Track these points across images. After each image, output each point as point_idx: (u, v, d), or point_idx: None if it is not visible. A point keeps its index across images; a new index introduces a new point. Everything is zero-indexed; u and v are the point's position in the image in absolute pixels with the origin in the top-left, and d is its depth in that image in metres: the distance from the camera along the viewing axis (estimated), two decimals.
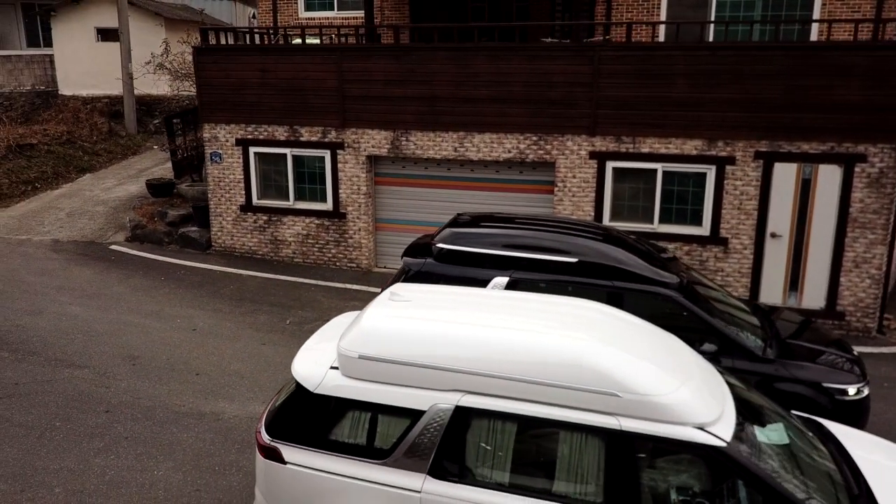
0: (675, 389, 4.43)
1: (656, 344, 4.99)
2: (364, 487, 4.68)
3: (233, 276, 12.09)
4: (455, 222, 7.93)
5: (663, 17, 14.84)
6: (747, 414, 5.06)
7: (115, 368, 8.64)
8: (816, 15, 14.18)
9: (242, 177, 12.90)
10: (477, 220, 8.00)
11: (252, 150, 12.72)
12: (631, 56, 10.46)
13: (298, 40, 14.20)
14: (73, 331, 9.66)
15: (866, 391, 6.79)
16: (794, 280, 10.36)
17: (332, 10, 17.84)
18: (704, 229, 10.60)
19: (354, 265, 12.53)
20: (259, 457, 4.99)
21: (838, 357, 7.11)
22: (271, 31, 13.89)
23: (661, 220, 10.77)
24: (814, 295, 10.30)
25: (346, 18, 17.33)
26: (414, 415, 4.62)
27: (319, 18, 17.77)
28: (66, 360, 8.83)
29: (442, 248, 7.40)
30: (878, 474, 4.90)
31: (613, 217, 11.03)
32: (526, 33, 11.86)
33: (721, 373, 5.26)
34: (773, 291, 10.46)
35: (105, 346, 9.22)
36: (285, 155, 12.56)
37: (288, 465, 4.84)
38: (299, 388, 4.93)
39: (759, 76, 9.97)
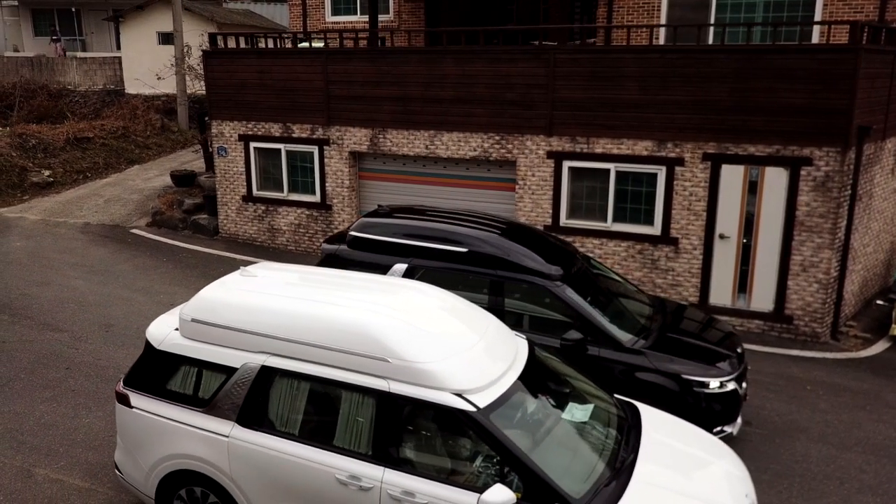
0: (441, 359, 4.96)
1: (456, 320, 5.50)
2: (187, 431, 5.48)
3: (227, 260, 13.20)
4: (373, 213, 8.62)
5: (663, 20, 14.93)
6: (545, 390, 5.52)
7: (90, 334, 9.84)
8: (818, 16, 13.89)
9: (244, 169, 14.02)
10: (393, 211, 8.65)
11: (252, 145, 13.83)
12: (584, 58, 10.79)
13: (305, 44, 15.25)
14: (69, 301, 10.98)
15: (731, 386, 6.98)
16: (743, 282, 10.38)
17: (356, 14, 18.85)
18: (656, 229, 10.78)
19: None
20: (116, 403, 5.87)
21: (714, 353, 7.31)
22: (271, 36, 14.92)
23: (615, 220, 11.02)
24: (762, 297, 10.29)
25: (367, 23, 18.24)
26: (229, 371, 5.39)
27: (344, 22, 18.83)
28: (52, 324, 10.12)
29: (353, 236, 8.14)
30: (653, 453, 5.25)
31: (571, 215, 11.37)
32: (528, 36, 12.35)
33: (533, 350, 5.70)
34: (722, 293, 10.52)
35: (89, 315, 10.46)
36: (280, 150, 13.59)
37: (133, 409, 5.71)
38: (147, 345, 5.78)
39: (706, 78, 10.08)
